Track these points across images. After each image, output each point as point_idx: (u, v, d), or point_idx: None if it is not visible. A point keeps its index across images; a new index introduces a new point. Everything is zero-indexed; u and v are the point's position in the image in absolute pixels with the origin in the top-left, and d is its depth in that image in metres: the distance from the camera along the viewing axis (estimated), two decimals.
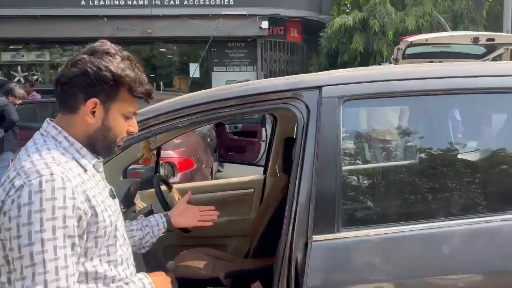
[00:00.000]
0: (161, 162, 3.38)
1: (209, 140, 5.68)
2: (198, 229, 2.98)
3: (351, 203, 1.61)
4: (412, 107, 1.98)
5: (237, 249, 3.11)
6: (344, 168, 1.63)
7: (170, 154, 4.26)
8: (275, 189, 2.69)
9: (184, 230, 2.64)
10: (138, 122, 1.33)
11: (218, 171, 6.66)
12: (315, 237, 1.54)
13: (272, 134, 3.16)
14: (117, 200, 1.30)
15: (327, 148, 1.61)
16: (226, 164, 7.30)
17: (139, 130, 1.43)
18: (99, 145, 1.18)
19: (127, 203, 2.66)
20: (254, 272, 2.33)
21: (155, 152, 2.89)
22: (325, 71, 2.27)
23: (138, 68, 1.18)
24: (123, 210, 2.60)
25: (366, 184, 1.67)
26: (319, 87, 1.66)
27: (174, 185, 2.97)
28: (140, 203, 2.95)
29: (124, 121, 1.19)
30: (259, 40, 15.00)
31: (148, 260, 2.57)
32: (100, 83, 1.11)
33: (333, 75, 1.84)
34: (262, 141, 6.50)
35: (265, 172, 3.22)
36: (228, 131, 6.98)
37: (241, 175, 7.83)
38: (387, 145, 1.72)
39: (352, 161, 1.66)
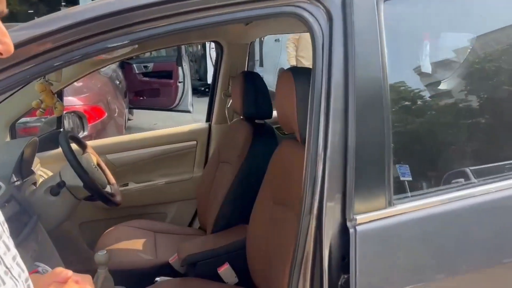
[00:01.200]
0: (63, 111, 2.51)
1: (117, 82, 4.72)
2: (128, 196, 2.29)
3: (408, 161, 1.06)
4: None
5: (180, 217, 2.47)
6: (394, 107, 1.06)
7: (71, 101, 3.33)
8: (232, 140, 2.06)
9: (111, 202, 1.92)
10: (25, 42, 0.86)
11: (128, 119, 5.75)
12: (359, 218, 0.98)
13: (217, 70, 2.46)
14: None
15: (365, 75, 1.02)
16: (136, 111, 6.38)
17: (29, 59, 0.88)
18: None
19: (22, 172, 1.85)
20: (220, 253, 1.73)
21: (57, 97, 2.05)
22: None
23: None
24: (17, 183, 1.79)
25: (431, 131, 1.13)
26: None
27: (88, 143, 2.18)
28: (42, 171, 2.12)
29: None
30: None
31: (64, 247, 1.84)
32: None
33: None
34: (179, 82, 5.68)
35: (208, 119, 2.54)
36: (137, 71, 5.99)
37: (157, 123, 7.07)
38: (464, 70, 1.18)
39: (407, 95, 1.10)
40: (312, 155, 1.01)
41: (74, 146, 1.96)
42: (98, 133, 3.40)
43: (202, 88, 8.92)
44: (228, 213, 1.88)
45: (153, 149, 2.42)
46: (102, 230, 2.31)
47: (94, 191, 1.81)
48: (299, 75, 1.30)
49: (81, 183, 1.80)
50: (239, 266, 1.73)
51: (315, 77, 1.02)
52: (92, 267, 2.30)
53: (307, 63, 5.22)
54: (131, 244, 2.05)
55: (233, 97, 2.08)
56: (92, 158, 2.02)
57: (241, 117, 2.07)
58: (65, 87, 2.13)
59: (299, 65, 5.20)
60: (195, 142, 2.47)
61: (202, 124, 2.54)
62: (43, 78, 1.76)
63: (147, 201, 2.41)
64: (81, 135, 3.05)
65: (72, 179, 1.82)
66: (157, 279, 1.76)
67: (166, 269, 1.86)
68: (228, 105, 2.42)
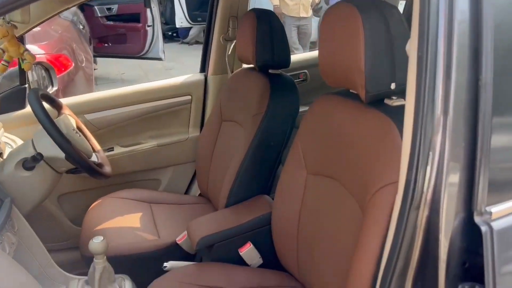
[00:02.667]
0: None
1: (81, 27, 4.15)
2: (114, 163, 1.93)
3: None
4: None
5: (176, 183, 2.16)
6: None
7: (31, 49, 2.82)
8: (241, 96, 1.72)
9: (99, 175, 1.58)
10: None
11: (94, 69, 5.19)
12: (495, 211, 0.71)
13: (213, 9, 2.05)
14: None
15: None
16: (100, 60, 5.79)
17: None
18: None
19: None
20: (241, 232, 1.45)
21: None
22: None
23: None
24: None
25: None
26: None
27: (62, 101, 1.79)
28: (7, 138, 1.73)
29: None
30: None
31: (43, 226, 1.52)
32: None
33: None
34: (148, 26, 5.13)
35: (203, 69, 2.16)
36: (100, 14, 5.35)
37: (124, 73, 6.49)
38: None
39: None
40: (424, 120, 0.71)
41: (46, 106, 1.58)
42: (65, 87, 2.94)
43: (170, 33, 8.31)
44: (244, 184, 1.58)
45: (140, 106, 2.04)
46: (85, 202, 1.97)
47: (78, 162, 1.45)
48: (367, 10, 0.97)
49: (61, 154, 1.44)
50: (264, 245, 1.47)
51: (429, 7, 0.70)
52: (77, 245, 1.99)
53: (291, 2, 4.79)
54: (126, 221, 1.73)
55: (240, 41, 1.71)
56: (70, 120, 1.64)
57: (248, 66, 1.72)
58: (29, 30, 1.69)
59: (282, 5, 4.77)
60: (189, 97, 2.10)
61: (196, 75, 2.16)
62: (3, 18, 1.33)
63: (137, 167, 2.06)
64: (49, 91, 2.60)
65: (49, 149, 1.46)
66: (166, 264, 1.47)
67: (173, 251, 1.57)
68: (229, 52, 2.05)
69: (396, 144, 0.93)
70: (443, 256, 0.72)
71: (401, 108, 1.05)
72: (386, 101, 1.06)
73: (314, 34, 5.50)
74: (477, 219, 0.71)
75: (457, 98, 0.69)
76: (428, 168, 0.71)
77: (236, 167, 1.58)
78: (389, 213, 0.90)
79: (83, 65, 3.41)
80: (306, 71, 2.28)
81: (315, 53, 2.46)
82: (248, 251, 1.45)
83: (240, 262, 1.46)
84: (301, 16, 4.87)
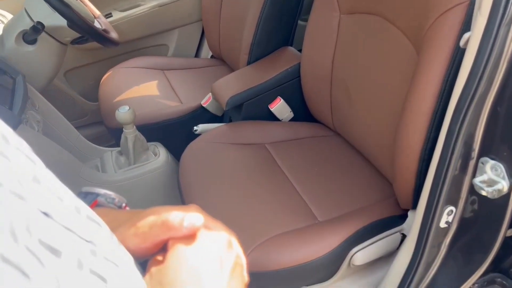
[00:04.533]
0: None
1: None
2: (118, 30, 1.76)
3: None
4: None
5: (185, 46, 2.02)
6: None
7: None
8: None
9: (108, 41, 1.45)
10: None
11: None
12: None
13: None
14: None
15: None
16: None
17: None
18: None
19: None
20: (270, 87, 1.38)
21: None
22: None
23: None
24: None
25: None
26: None
27: None
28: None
29: None
30: None
31: (57, 105, 1.47)
32: None
33: None
34: None
35: None
36: None
37: None
38: None
39: None
40: None
41: None
42: None
43: None
44: (265, 37, 1.45)
45: None
46: (93, 76, 1.87)
47: (83, 29, 1.31)
48: None
49: (63, 22, 1.29)
50: (294, 99, 1.41)
51: None
52: (96, 120, 1.94)
53: None
54: (143, 90, 1.66)
55: None
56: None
57: None
58: None
59: None
60: None
61: None
62: None
63: (139, 33, 1.90)
64: None
65: (48, 17, 1.30)
66: (196, 128, 1.44)
67: (199, 114, 1.53)
68: None
69: None
70: None
71: None
72: None
73: None
74: None
75: None
76: None
77: (255, 19, 1.43)
78: (456, 39, 0.81)
79: None
80: None
81: None
82: (279, 106, 1.40)
83: (271, 118, 1.42)
84: None
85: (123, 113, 1.27)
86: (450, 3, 0.80)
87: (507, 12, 0.63)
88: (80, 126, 1.86)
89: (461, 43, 0.77)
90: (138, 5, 1.88)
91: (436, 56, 0.84)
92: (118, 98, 1.57)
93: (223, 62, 1.87)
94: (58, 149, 1.14)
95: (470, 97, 0.69)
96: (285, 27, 1.50)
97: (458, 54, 0.80)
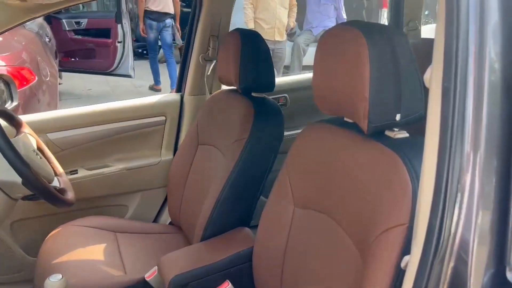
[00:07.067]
0: None
1: (47, 39, 3.94)
2: (77, 186, 1.76)
3: None
4: None
5: (144, 211, 2.00)
6: None
7: None
8: (221, 119, 1.61)
9: (61, 202, 1.42)
10: None
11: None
12: None
13: (193, 27, 1.95)
14: None
15: None
16: (65, 74, 5.55)
17: None
18: None
19: None
20: (219, 269, 1.32)
21: None
22: None
23: None
24: None
25: None
26: None
27: (22, 118, 1.61)
28: None
29: None
30: None
31: None
32: None
33: None
34: (119, 42, 4.97)
35: (180, 89, 2.04)
36: (68, 28, 5.15)
37: (91, 89, 6.23)
38: None
39: None
40: (452, 158, 0.62)
41: (3, 124, 1.42)
42: (27, 103, 2.74)
43: (140, 50, 8.14)
44: (223, 215, 1.45)
45: (109, 125, 1.89)
46: (42, 230, 1.78)
47: (37, 189, 1.29)
48: (372, 35, 0.89)
49: (18, 178, 1.28)
50: (244, 284, 1.34)
51: (453, 24, 0.62)
52: (31, 278, 1.77)
53: (266, 26, 4.77)
54: (88, 253, 1.56)
55: (222, 62, 1.61)
56: (30, 140, 1.48)
57: (229, 88, 1.62)
58: None
59: (257, 28, 4.74)
60: (163, 118, 1.97)
61: (172, 95, 2.03)
62: None
63: (102, 192, 1.89)
64: (8, 106, 2.40)
65: (3, 172, 1.29)
66: None
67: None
68: (208, 72, 1.94)
69: (404, 181, 0.84)
70: None
71: (404, 141, 0.97)
72: (387, 132, 0.98)
73: (287, 58, 5.50)
74: (509, 275, 0.62)
75: (490, 128, 0.61)
76: (456, 211, 0.62)
77: (215, 196, 1.45)
78: (397, 259, 0.80)
79: (48, 79, 3.21)
80: (286, 95, 2.20)
81: (295, 77, 2.40)
82: None
83: None
84: (276, 40, 4.85)
85: (53, 283, 1.16)
86: (390, 223, 0.82)
87: (439, 246, 0.63)
88: (10, 283, 1.70)
89: (402, 265, 0.76)
90: (106, 166, 1.92)
91: (380, 271, 0.82)
92: (56, 260, 1.47)
93: (181, 229, 1.83)
94: None
95: None
96: (244, 206, 1.52)
97: (400, 275, 0.79)
